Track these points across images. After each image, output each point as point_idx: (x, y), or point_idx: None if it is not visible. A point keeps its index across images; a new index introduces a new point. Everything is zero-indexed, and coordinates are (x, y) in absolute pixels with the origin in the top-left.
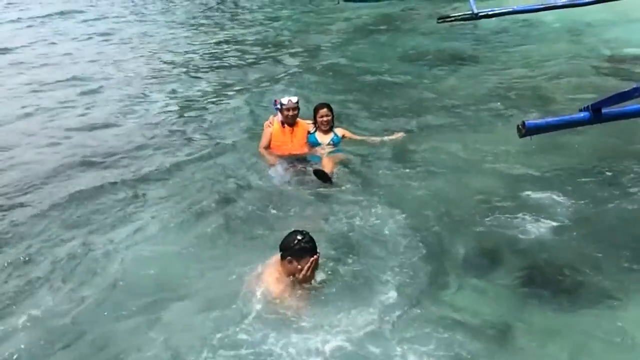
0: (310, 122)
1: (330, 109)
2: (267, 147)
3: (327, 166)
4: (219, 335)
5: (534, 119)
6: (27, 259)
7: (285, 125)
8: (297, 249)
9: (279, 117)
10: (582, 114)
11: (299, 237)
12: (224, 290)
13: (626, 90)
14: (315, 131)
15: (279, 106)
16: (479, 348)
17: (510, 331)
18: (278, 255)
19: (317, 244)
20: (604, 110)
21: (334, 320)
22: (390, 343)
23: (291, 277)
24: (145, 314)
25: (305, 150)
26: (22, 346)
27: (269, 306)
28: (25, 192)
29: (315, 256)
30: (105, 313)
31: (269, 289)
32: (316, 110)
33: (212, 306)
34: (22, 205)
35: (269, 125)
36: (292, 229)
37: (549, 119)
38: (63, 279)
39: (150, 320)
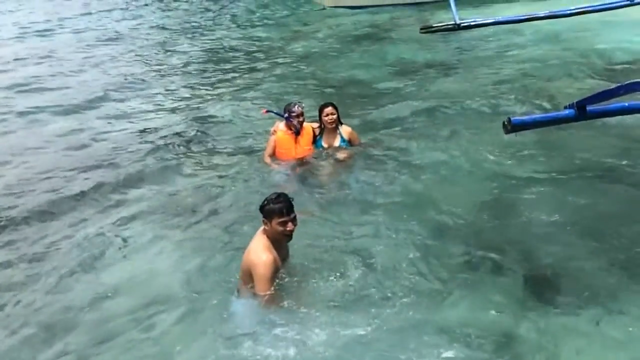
0: (316, 125)
1: (335, 107)
2: (272, 154)
3: (344, 157)
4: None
5: (519, 115)
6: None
7: (292, 132)
8: (266, 210)
9: (281, 124)
10: (567, 111)
11: (271, 198)
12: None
13: (611, 88)
14: (321, 134)
15: (286, 114)
16: (477, 352)
17: (510, 334)
18: None
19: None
20: (588, 108)
21: (326, 320)
22: (381, 347)
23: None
24: (139, 316)
25: (311, 153)
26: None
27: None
28: (16, 196)
29: (283, 218)
30: (98, 317)
31: (259, 257)
32: (321, 109)
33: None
34: (8, 213)
35: (273, 133)
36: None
37: (535, 116)
38: (54, 284)
39: (144, 321)
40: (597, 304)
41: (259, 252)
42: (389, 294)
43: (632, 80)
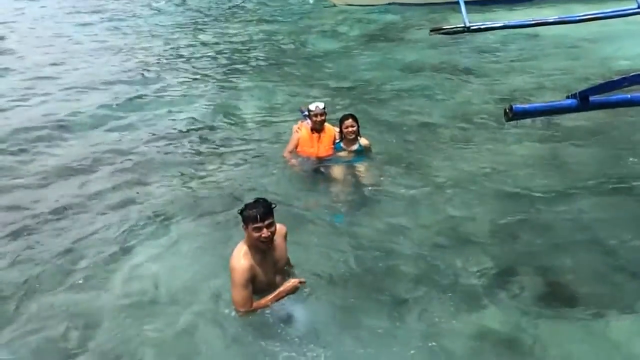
0: (337, 129)
1: (355, 119)
2: (292, 151)
3: (363, 172)
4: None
5: (520, 103)
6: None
7: (314, 131)
8: (243, 215)
9: (308, 123)
10: (569, 101)
11: (249, 202)
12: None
13: (614, 79)
14: (342, 141)
15: (307, 113)
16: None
17: (518, 345)
18: None
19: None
20: (591, 98)
21: (308, 337)
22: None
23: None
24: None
25: (331, 153)
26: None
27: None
28: (27, 197)
29: (257, 224)
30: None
31: (236, 262)
32: (341, 121)
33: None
34: (21, 211)
35: (297, 131)
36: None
37: (537, 104)
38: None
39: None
40: (610, 314)
41: (237, 257)
42: (397, 308)
43: (636, 72)
